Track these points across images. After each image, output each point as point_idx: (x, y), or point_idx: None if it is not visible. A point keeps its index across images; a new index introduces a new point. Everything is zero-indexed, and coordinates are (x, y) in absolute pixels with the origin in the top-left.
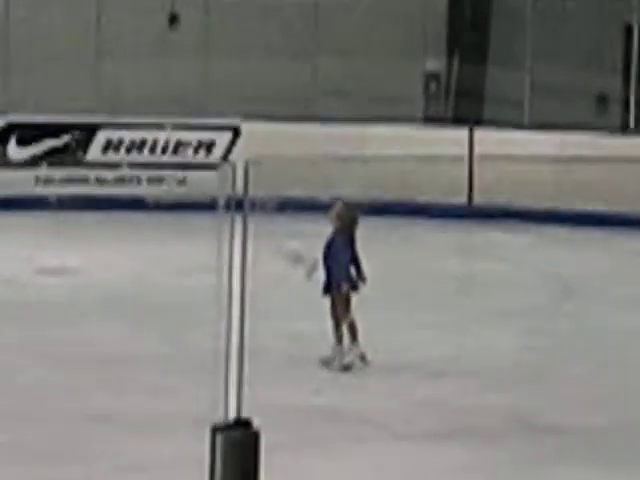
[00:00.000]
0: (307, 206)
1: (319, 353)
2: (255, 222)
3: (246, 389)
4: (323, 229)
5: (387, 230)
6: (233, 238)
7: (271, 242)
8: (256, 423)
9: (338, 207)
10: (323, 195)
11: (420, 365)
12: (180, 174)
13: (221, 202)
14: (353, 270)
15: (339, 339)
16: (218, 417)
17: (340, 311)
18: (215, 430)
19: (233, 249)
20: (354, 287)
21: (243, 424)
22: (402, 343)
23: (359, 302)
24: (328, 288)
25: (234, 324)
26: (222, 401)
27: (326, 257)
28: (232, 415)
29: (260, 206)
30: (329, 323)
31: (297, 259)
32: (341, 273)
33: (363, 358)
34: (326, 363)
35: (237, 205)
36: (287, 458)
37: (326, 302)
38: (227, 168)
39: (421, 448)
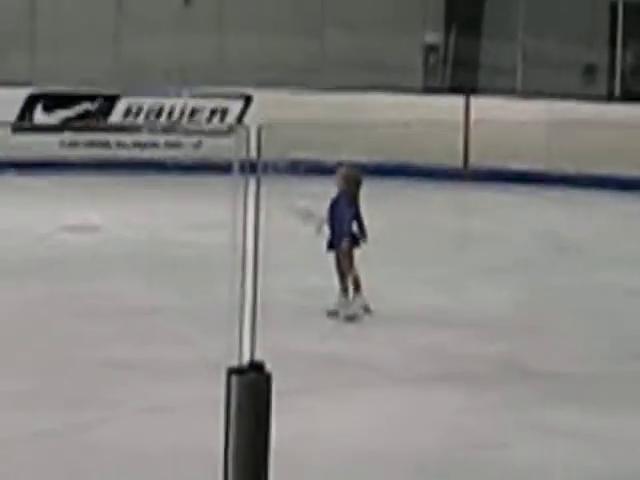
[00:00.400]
0: (315, 168)
1: (326, 304)
2: (267, 183)
3: (259, 337)
4: (329, 189)
5: (388, 191)
6: (247, 198)
7: (282, 201)
8: (268, 367)
9: (343, 170)
10: (329, 158)
11: (420, 316)
12: (195, 139)
13: (236, 164)
14: (356, 228)
15: (344, 291)
16: (232, 363)
17: (344, 265)
18: (230, 372)
19: (247, 208)
20: (356, 243)
21: (256, 367)
22: (403, 295)
23: (362, 257)
24: (332, 244)
25: (247, 277)
26: (237, 347)
27: (331, 216)
28: (246, 359)
29: (272, 168)
30: (335, 277)
31: (307, 216)
32: (344, 231)
33: (366, 309)
34: (332, 314)
35: (251, 167)
36: (295, 401)
37: (331, 257)
38: (241, 132)
39: (419, 392)
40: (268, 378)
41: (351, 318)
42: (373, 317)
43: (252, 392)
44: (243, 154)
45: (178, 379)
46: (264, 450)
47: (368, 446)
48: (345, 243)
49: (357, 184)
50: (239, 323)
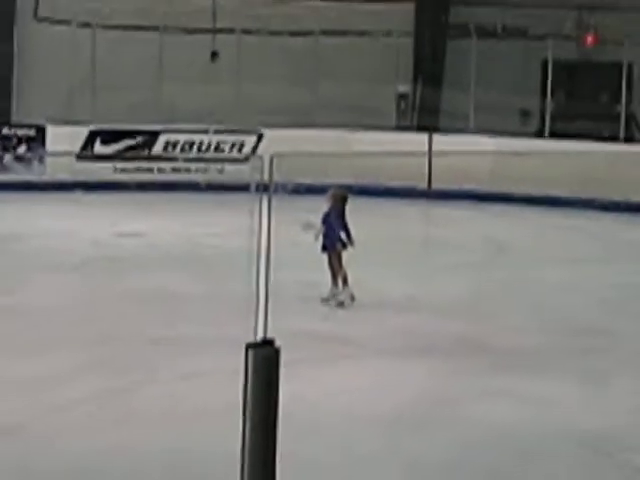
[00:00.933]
0: (313, 189)
1: (320, 294)
2: (276, 200)
3: (270, 319)
4: (323, 205)
5: (369, 206)
6: (261, 211)
7: (288, 215)
8: (277, 343)
9: (332, 190)
10: (323, 181)
11: (395, 303)
12: (219, 166)
13: (252, 185)
14: (344, 235)
15: (335, 284)
16: (249, 339)
17: (335, 264)
18: (248, 347)
19: (261, 219)
20: (344, 247)
21: (268, 343)
22: (381, 287)
23: (350, 258)
24: (325, 247)
25: (261, 272)
26: (252, 327)
27: (324, 225)
28: (260, 337)
29: (280, 188)
30: (328, 273)
31: (308, 226)
32: (334, 237)
33: (352, 297)
34: (325, 301)
35: (264, 188)
36: (298, 369)
37: (325, 258)
38: (257, 161)
39: (393, 362)
40: (277, 352)
41: (340, 304)
42: (358, 304)
43: (265, 363)
44: (258, 178)
45: (205, 352)
46: (274, 408)
47: (354, 404)
48: (338, 246)
49: (343, 201)
50: (255, 308)
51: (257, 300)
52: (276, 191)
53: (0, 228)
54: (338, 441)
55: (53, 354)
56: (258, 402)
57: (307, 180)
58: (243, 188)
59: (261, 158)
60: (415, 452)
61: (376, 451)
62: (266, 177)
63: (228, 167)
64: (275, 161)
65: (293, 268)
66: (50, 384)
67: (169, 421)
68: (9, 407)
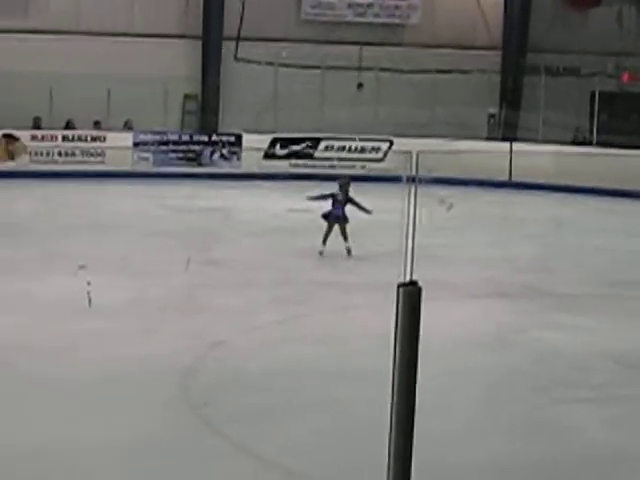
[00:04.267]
0: (442, 180)
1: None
2: (420, 187)
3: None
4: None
5: (468, 193)
6: (409, 194)
7: (428, 196)
8: (419, 284)
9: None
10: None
11: (482, 260)
12: (362, 163)
13: (404, 177)
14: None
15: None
16: (399, 280)
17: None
18: (399, 286)
19: (410, 201)
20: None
21: (414, 283)
22: (474, 250)
23: (457, 228)
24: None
25: (409, 235)
26: (401, 273)
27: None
28: (407, 279)
29: (422, 179)
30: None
31: (442, 202)
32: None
33: (349, 251)
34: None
35: (412, 178)
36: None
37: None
38: (406, 156)
39: (483, 302)
40: (420, 290)
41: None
42: (457, 261)
43: (411, 298)
44: (407, 169)
45: (355, 291)
46: (417, 330)
47: (455, 330)
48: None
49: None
50: (403, 260)
51: (405, 255)
52: (420, 181)
53: (211, 205)
54: (444, 353)
55: (247, 291)
56: (406, 326)
57: (442, 174)
58: (379, 179)
59: (410, 154)
60: (496, 364)
61: (471, 362)
62: (413, 169)
63: (369, 164)
64: (420, 156)
65: (424, 231)
66: (245, 312)
67: (329, 339)
68: (217, 329)
